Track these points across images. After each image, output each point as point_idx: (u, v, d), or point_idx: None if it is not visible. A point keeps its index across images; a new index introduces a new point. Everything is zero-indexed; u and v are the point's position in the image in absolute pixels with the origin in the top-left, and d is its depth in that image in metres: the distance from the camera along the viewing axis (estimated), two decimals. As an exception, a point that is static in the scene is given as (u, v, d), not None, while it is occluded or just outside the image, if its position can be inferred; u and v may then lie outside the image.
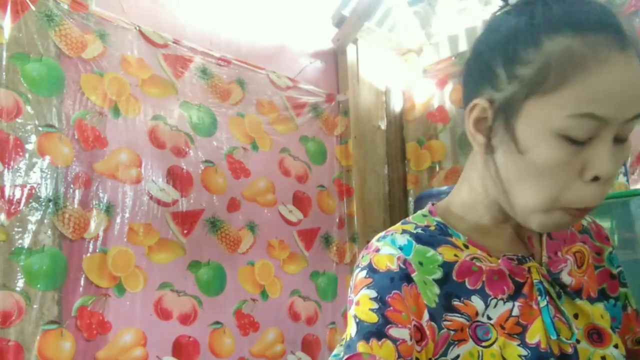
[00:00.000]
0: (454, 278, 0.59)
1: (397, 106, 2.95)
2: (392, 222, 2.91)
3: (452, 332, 0.57)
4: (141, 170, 1.92)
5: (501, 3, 0.58)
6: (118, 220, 1.83)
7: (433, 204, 0.68)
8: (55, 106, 1.74)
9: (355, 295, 0.58)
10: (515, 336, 0.57)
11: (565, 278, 0.63)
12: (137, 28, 1.98)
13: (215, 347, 2.00)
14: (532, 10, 0.53)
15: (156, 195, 1.94)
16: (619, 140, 0.53)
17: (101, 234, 1.78)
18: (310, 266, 2.40)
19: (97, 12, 1.88)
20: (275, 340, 2.20)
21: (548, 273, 0.63)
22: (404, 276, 0.57)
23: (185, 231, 2.00)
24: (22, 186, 1.64)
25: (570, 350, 0.58)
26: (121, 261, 1.81)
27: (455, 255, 0.60)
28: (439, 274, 0.59)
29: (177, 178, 2.01)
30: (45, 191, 1.68)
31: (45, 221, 1.67)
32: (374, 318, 0.54)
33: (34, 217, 1.64)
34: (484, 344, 0.57)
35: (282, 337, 2.22)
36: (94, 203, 1.78)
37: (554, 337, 0.56)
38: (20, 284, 1.59)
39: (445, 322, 0.57)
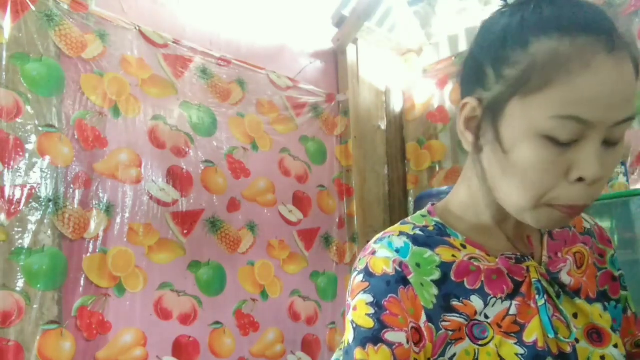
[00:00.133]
0: (453, 278, 0.59)
1: (397, 106, 2.95)
2: (392, 222, 2.91)
3: (450, 333, 0.57)
4: (141, 170, 1.92)
5: (501, 3, 0.58)
6: (118, 220, 1.83)
7: (433, 205, 0.69)
8: (55, 106, 1.74)
9: (353, 299, 0.58)
10: (512, 335, 0.57)
11: (564, 278, 0.64)
12: (137, 28, 1.98)
13: (215, 347, 2.00)
14: (523, 12, 0.54)
15: (156, 195, 1.94)
16: (610, 143, 0.52)
17: (101, 234, 1.78)
18: (310, 266, 2.40)
19: (97, 12, 1.88)
20: (275, 340, 2.20)
21: (547, 272, 0.63)
22: (401, 279, 0.57)
23: (185, 231, 2.00)
24: (22, 186, 1.64)
25: (568, 349, 0.58)
26: (121, 261, 1.81)
27: (453, 256, 0.60)
28: (437, 275, 0.59)
29: (177, 178, 2.01)
30: (45, 191, 1.68)
31: (45, 221, 1.67)
32: (370, 323, 0.55)
33: (34, 217, 1.65)
34: (480, 342, 0.57)
35: (282, 337, 2.22)
36: (94, 203, 1.78)
37: (551, 335, 0.57)
38: (20, 284, 1.59)
39: (443, 323, 0.57)
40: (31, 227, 1.64)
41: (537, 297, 0.59)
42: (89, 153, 1.80)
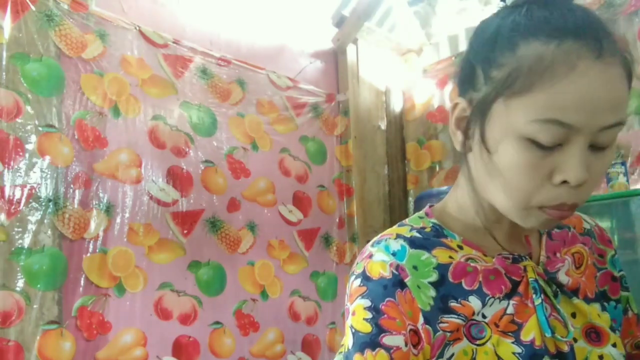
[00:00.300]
0: (450, 280, 0.59)
1: (397, 106, 2.95)
2: (392, 222, 2.91)
3: (448, 334, 0.57)
4: (141, 170, 1.92)
5: (500, 4, 0.58)
6: (118, 220, 1.83)
7: (431, 206, 0.69)
8: (55, 106, 1.74)
9: (351, 304, 0.59)
10: (510, 334, 0.58)
11: (562, 277, 0.64)
12: (137, 28, 1.99)
13: (215, 347, 2.00)
14: (515, 14, 0.54)
15: (156, 195, 1.94)
16: (598, 147, 0.52)
17: (101, 234, 1.78)
18: (310, 266, 2.40)
19: (97, 12, 1.88)
20: (275, 340, 2.20)
21: (545, 272, 0.63)
22: (397, 282, 0.58)
23: (185, 231, 2.00)
24: (22, 186, 1.64)
25: (566, 348, 0.58)
26: (121, 261, 1.81)
27: (450, 257, 0.61)
28: (434, 277, 0.59)
29: (177, 178, 2.01)
30: (45, 191, 1.68)
31: (45, 221, 1.67)
32: (368, 328, 0.56)
33: (34, 217, 1.65)
34: (478, 342, 0.57)
35: (282, 337, 2.22)
36: (94, 203, 1.78)
37: (548, 334, 0.57)
38: (20, 284, 1.59)
39: (441, 324, 0.57)
40: (31, 227, 1.64)
41: (534, 296, 0.59)
42: (89, 153, 1.80)
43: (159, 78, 2.03)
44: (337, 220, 2.57)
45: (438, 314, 0.57)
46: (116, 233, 1.82)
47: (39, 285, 1.62)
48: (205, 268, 2.04)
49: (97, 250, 1.76)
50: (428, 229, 0.64)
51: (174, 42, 2.08)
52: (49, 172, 1.70)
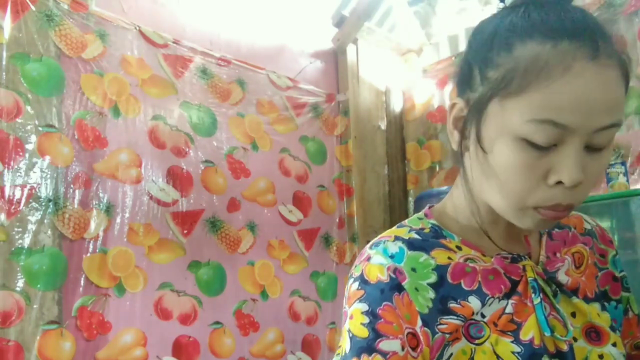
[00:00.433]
0: (449, 280, 0.59)
1: (397, 106, 2.95)
2: (392, 222, 2.91)
3: (447, 335, 0.57)
4: (141, 170, 1.92)
5: (499, 4, 0.59)
6: (118, 220, 1.83)
7: (430, 207, 0.69)
8: (55, 106, 1.74)
9: (349, 307, 0.59)
10: (509, 333, 0.58)
11: (562, 277, 0.64)
12: (137, 28, 1.99)
13: (215, 347, 2.00)
14: (513, 15, 0.54)
15: (156, 195, 1.94)
16: (594, 148, 0.52)
17: (101, 234, 1.78)
18: (310, 266, 2.40)
19: (97, 12, 1.88)
20: (275, 340, 2.20)
21: (544, 272, 0.63)
22: (395, 286, 0.58)
23: (185, 231, 2.00)
24: (22, 186, 1.64)
25: (565, 347, 0.58)
26: (121, 261, 1.81)
27: (449, 258, 0.61)
28: (433, 278, 0.59)
29: (177, 178, 2.01)
30: (45, 191, 1.68)
31: (45, 221, 1.67)
32: (365, 333, 0.56)
33: (34, 217, 1.65)
34: (476, 341, 0.57)
35: (282, 337, 2.22)
36: (94, 203, 1.79)
37: (547, 333, 0.57)
38: (20, 284, 1.59)
39: (440, 326, 0.57)
40: (31, 227, 1.64)
41: (533, 295, 0.59)
42: (89, 153, 1.80)
43: (159, 78, 2.03)
44: (337, 220, 2.57)
45: (437, 315, 0.57)
46: (116, 233, 1.82)
47: (39, 285, 1.62)
48: (205, 268, 2.04)
49: (97, 250, 1.76)
50: (427, 230, 0.64)
51: (174, 42, 2.08)
52: (49, 172, 1.70)
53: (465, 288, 0.59)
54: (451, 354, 0.57)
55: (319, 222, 2.48)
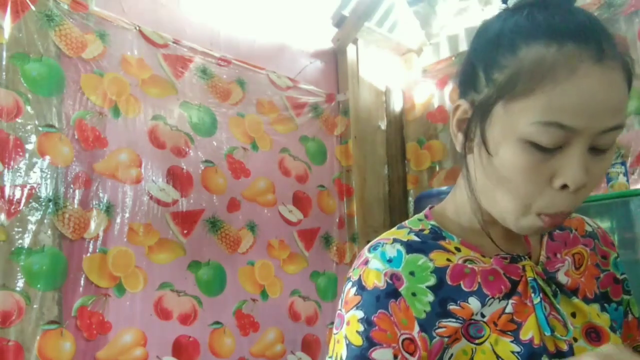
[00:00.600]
0: (449, 282, 0.59)
1: (397, 106, 2.95)
2: (392, 222, 2.92)
3: (446, 339, 0.57)
4: (141, 170, 1.92)
5: (502, 5, 0.58)
6: (118, 220, 1.83)
7: (431, 207, 0.69)
8: (55, 106, 1.74)
9: (346, 312, 0.59)
10: (509, 333, 0.58)
11: (562, 277, 0.64)
12: (137, 28, 1.99)
13: (215, 347, 2.00)
14: (517, 16, 0.54)
15: (156, 195, 1.94)
16: (598, 150, 0.53)
17: (101, 234, 1.78)
18: (310, 266, 2.40)
19: (97, 12, 1.88)
20: (275, 340, 2.20)
21: (544, 272, 0.63)
22: (391, 292, 0.58)
23: (185, 231, 2.00)
24: (22, 186, 1.64)
25: (565, 347, 0.58)
26: (121, 261, 1.81)
27: (448, 260, 0.61)
28: (432, 281, 0.59)
29: (177, 178, 2.01)
30: (45, 191, 1.68)
31: (45, 221, 1.67)
32: (359, 341, 0.56)
33: (34, 217, 1.65)
34: (477, 341, 0.57)
35: (282, 337, 2.22)
36: (94, 203, 1.79)
37: (547, 333, 0.57)
38: (20, 284, 1.59)
39: (438, 330, 0.57)
40: (31, 227, 1.64)
41: (532, 295, 0.59)
42: (89, 153, 1.80)
43: (159, 78, 2.03)
44: (337, 220, 2.57)
45: (435, 319, 0.58)
46: (116, 233, 1.82)
47: (39, 285, 1.62)
48: (205, 268, 2.04)
49: (97, 250, 1.76)
50: (426, 231, 0.64)
51: (174, 42, 2.08)
52: (49, 172, 1.70)
53: (465, 289, 0.59)
54: (451, 355, 0.57)
55: (319, 222, 2.48)
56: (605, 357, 0.45)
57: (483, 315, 0.59)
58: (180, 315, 1.93)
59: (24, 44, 1.70)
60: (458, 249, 0.62)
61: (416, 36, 2.96)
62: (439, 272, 0.60)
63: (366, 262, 0.61)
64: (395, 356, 0.55)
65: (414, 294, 0.58)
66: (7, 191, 1.61)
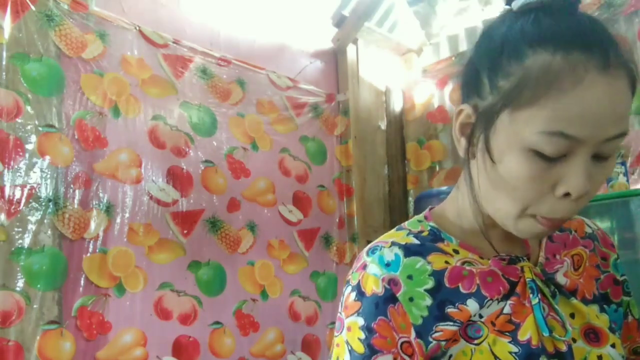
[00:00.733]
0: (447, 285, 0.60)
1: (397, 106, 2.95)
2: (392, 222, 2.91)
3: (443, 343, 0.58)
4: (141, 170, 1.92)
5: (505, 7, 0.58)
6: (118, 220, 1.83)
7: (431, 209, 0.69)
8: (55, 106, 1.74)
9: (346, 318, 0.60)
10: (507, 333, 0.58)
11: (560, 278, 0.64)
12: (137, 28, 1.99)
13: (215, 347, 2.00)
14: (523, 21, 0.54)
15: (156, 195, 1.94)
16: (601, 157, 0.53)
17: (101, 234, 1.78)
18: (310, 266, 2.40)
19: (97, 12, 1.88)
20: (275, 340, 2.20)
21: (542, 273, 0.63)
22: (389, 297, 0.59)
23: (185, 231, 2.00)
24: (22, 186, 1.64)
25: (564, 347, 0.58)
26: (121, 261, 1.81)
27: (446, 262, 0.61)
28: (430, 284, 0.59)
29: (177, 178, 2.01)
30: (45, 191, 1.68)
31: (45, 221, 1.67)
32: (361, 348, 0.58)
33: (34, 217, 1.65)
34: (475, 342, 0.58)
35: (282, 337, 2.22)
36: (94, 203, 1.79)
37: (546, 333, 0.57)
38: (20, 284, 1.59)
39: (435, 334, 0.58)
40: (31, 227, 1.64)
41: (531, 296, 0.59)
42: (89, 153, 1.80)
43: (159, 78, 2.03)
44: (337, 220, 2.57)
45: (433, 323, 0.58)
46: (116, 233, 1.82)
47: (39, 285, 1.62)
48: (205, 268, 2.04)
49: (97, 250, 1.76)
50: (426, 233, 0.64)
51: (174, 42, 2.08)
52: (49, 172, 1.70)
53: (464, 291, 0.59)
54: (451, 356, 0.57)
55: (319, 222, 2.48)
56: None
57: (481, 316, 0.59)
58: (180, 315, 1.93)
59: (24, 44, 1.70)
60: (456, 251, 0.62)
61: (416, 36, 2.96)
62: (437, 274, 0.60)
63: (364, 267, 0.62)
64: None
65: (411, 299, 0.59)
66: (7, 191, 1.61)
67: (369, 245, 0.65)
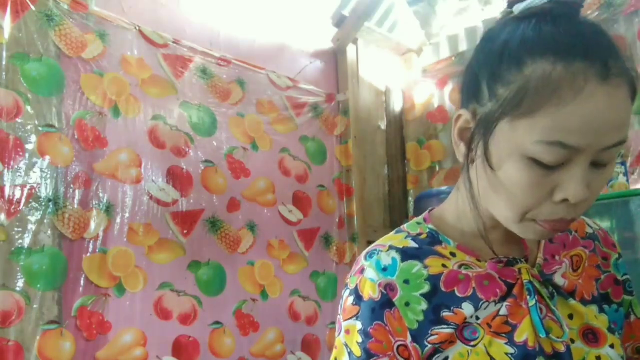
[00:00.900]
0: (443, 289, 0.60)
1: (397, 106, 2.95)
2: (392, 222, 2.90)
3: (437, 346, 0.59)
4: (141, 170, 1.92)
5: (506, 10, 0.58)
6: (118, 220, 1.83)
7: (431, 210, 0.70)
8: (55, 106, 1.74)
9: (344, 320, 0.62)
10: (503, 335, 0.58)
11: (558, 279, 0.64)
12: (137, 28, 1.99)
13: (215, 347, 2.00)
14: (524, 28, 0.53)
15: (156, 195, 1.94)
16: (599, 164, 0.53)
17: (101, 234, 1.78)
18: (310, 266, 2.40)
19: (97, 12, 1.88)
20: (275, 340, 2.20)
21: (540, 274, 0.63)
22: (386, 302, 0.60)
23: (185, 231, 2.00)
24: (22, 186, 1.64)
25: (562, 348, 0.59)
26: (121, 261, 1.81)
27: (444, 266, 0.61)
28: (426, 288, 0.60)
29: (177, 178, 2.01)
30: (45, 191, 1.68)
31: (45, 221, 1.67)
32: (359, 352, 0.59)
33: (34, 217, 1.65)
34: (472, 343, 0.58)
35: (282, 337, 2.22)
36: (94, 203, 1.79)
37: (543, 335, 0.57)
38: (20, 284, 1.59)
39: (431, 338, 0.59)
40: (31, 227, 1.64)
41: (528, 298, 0.60)
42: (89, 153, 1.80)
43: (159, 78, 2.03)
44: (337, 220, 2.57)
45: (428, 327, 0.59)
46: (116, 233, 1.82)
47: (39, 285, 1.62)
48: (205, 268, 2.04)
49: (97, 250, 1.76)
50: (424, 236, 0.65)
51: (174, 42, 2.08)
52: (49, 172, 1.70)
53: (459, 295, 0.60)
54: (447, 358, 0.58)
55: (319, 222, 2.48)
56: None
57: (478, 318, 0.59)
58: (180, 315, 1.93)
59: (24, 44, 1.70)
60: (453, 254, 0.63)
61: (416, 36, 2.96)
62: (433, 279, 0.60)
63: (362, 271, 0.62)
64: None
65: (407, 304, 0.59)
66: (7, 191, 1.61)
67: (367, 249, 0.66)
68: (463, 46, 2.77)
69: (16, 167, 1.63)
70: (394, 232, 0.68)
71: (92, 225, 1.77)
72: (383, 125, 2.92)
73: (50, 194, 1.69)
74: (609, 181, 1.99)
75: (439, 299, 0.59)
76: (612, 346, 0.61)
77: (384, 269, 0.61)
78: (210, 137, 2.14)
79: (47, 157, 1.70)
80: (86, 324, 1.70)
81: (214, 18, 2.26)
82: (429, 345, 0.58)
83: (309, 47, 2.64)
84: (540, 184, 0.53)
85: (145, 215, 1.90)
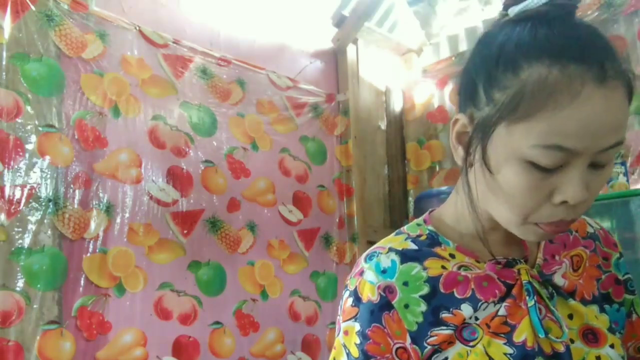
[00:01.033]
0: (442, 290, 0.60)
1: (397, 106, 2.95)
2: (392, 222, 2.90)
3: (437, 347, 0.59)
4: (141, 170, 1.92)
5: (502, 12, 0.58)
6: (118, 220, 1.83)
7: (431, 211, 0.70)
8: (55, 106, 1.74)
9: (344, 322, 0.62)
10: (502, 335, 0.58)
11: (558, 280, 0.64)
12: (137, 28, 1.99)
13: (215, 347, 2.00)
14: (520, 31, 0.53)
15: (156, 195, 1.94)
16: (597, 165, 0.53)
17: (101, 234, 1.78)
18: (310, 266, 2.40)
19: (97, 12, 1.88)
20: (275, 340, 2.20)
21: (540, 274, 0.63)
22: (385, 304, 0.60)
23: (185, 231, 2.00)
24: (22, 186, 1.64)
25: (562, 349, 0.59)
26: (121, 261, 1.81)
27: (443, 267, 0.62)
28: (425, 290, 0.60)
29: (177, 178, 2.01)
30: (45, 191, 1.68)
31: (45, 221, 1.67)
32: (356, 353, 0.60)
33: (34, 217, 1.65)
34: (471, 343, 0.58)
35: (282, 337, 2.22)
36: (94, 203, 1.79)
37: (542, 335, 0.57)
38: (20, 284, 1.59)
39: (430, 339, 0.59)
40: (31, 227, 1.64)
41: (527, 298, 0.60)
42: (89, 153, 1.80)
43: (159, 78, 2.03)
44: (337, 220, 2.57)
45: (427, 328, 0.59)
46: (116, 233, 1.82)
47: (39, 285, 1.62)
48: (205, 268, 2.04)
49: (97, 250, 1.76)
50: (424, 237, 0.65)
51: (174, 42, 2.08)
52: (49, 172, 1.70)
53: (458, 296, 0.60)
54: (446, 357, 0.58)
55: (319, 222, 2.48)
56: None
57: (477, 319, 0.59)
58: (180, 315, 1.93)
59: (24, 44, 1.70)
60: (452, 255, 0.63)
61: (416, 36, 2.96)
62: (433, 281, 0.61)
63: (361, 273, 0.63)
64: None
65: (406, 306, 0.60)
66: (7, 191, 1.61)
67: (367, 251, 0.66)
68: (463, 46, 2.78)
69: (16, 167, 1.63)
70: (393, 233, 0.68)
71: (92, 225, 1.77)
72: (383, 125, 2.92)
73: (50, 194, 1.69)
74: (608, 181, 1.99)
75: (438, 301, 0.60)
76: (612, 346, 0.61)
77: (383, 271, 0.61)
78: (210, 137, 2.14)
79: (47, 157, 1.70)
80: (86, 324, 1.70)
81: (214, 18, 2.26)
82: (428, 347, 0.59)
83: (309, 47, 2.64)
84: (539, 186, 0.53)
85: (145, 215, 1.90)
